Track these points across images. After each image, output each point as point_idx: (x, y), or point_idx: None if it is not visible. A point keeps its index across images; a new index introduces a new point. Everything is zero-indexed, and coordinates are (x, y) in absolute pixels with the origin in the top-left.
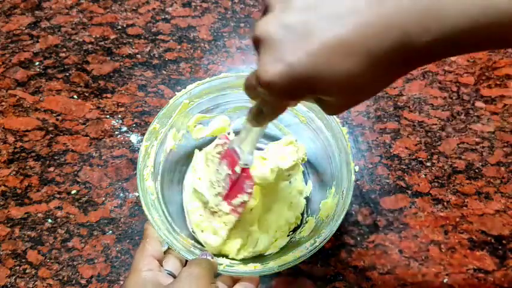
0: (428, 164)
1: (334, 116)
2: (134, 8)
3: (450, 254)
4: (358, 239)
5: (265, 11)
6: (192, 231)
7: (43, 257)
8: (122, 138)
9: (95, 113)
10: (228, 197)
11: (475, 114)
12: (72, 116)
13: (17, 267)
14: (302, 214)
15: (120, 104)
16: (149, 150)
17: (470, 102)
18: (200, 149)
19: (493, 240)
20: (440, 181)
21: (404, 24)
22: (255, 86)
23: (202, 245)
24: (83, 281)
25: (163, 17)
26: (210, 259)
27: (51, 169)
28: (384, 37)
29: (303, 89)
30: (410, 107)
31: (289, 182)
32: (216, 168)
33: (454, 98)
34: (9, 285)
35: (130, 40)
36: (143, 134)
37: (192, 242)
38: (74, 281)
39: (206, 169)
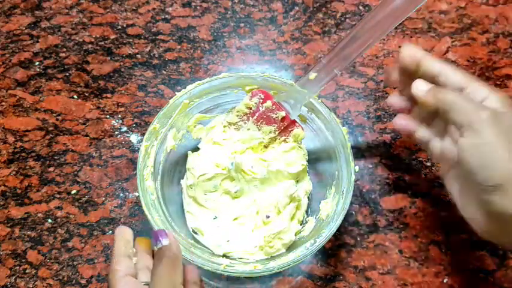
0: (428, 164)
1: (334, 116)
2: (134, 8)
3: (450, 254)
4: (358, 239)
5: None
6: (192, 231)
7: (43, 257)
8: (122, 138)
9: (95, 113)
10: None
11: None
12: (72, 116)
13: (17, 267)
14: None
15: (120, 104)
16: (149, 150)
17: None
18: (193, 151)
19: None
20: (440, 181)
21: None
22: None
23: (202, 245)
24: (83, 281)
25: (163, 17)
26: (170, 245)
27: (51, 169)
28: None
29: None
30: None
31: (296, 181)
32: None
33: None
34: (9, 285)
35: (130, 40)
36: (143, 134)
37: (192, 242)
38: (74, 281)
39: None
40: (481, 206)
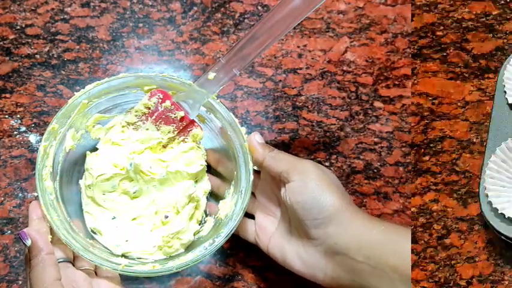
0: (327, 164)
1: (233, 116)
2: (33, 8)
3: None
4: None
5: None
6: (91, 231)
7: None
8: (21, 138)
9: None
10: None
11: (374, 114)
12: None
13: None
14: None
15: (19, 104)
16: (48, 150)
17: (369, 102)
18: (92, 151)
19: None
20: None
21: None
22: None
23: (101, 245)
24: None
25: (62, 17)
26: (34, 245)
27: None
28: None
29: None
30: (309, 107)
31: (195, 181)
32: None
33: (352, 98)
34: None
35: (29, 40)
36: (42, 134)
37: (91, 241)
38: None
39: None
40: (318, 247)
